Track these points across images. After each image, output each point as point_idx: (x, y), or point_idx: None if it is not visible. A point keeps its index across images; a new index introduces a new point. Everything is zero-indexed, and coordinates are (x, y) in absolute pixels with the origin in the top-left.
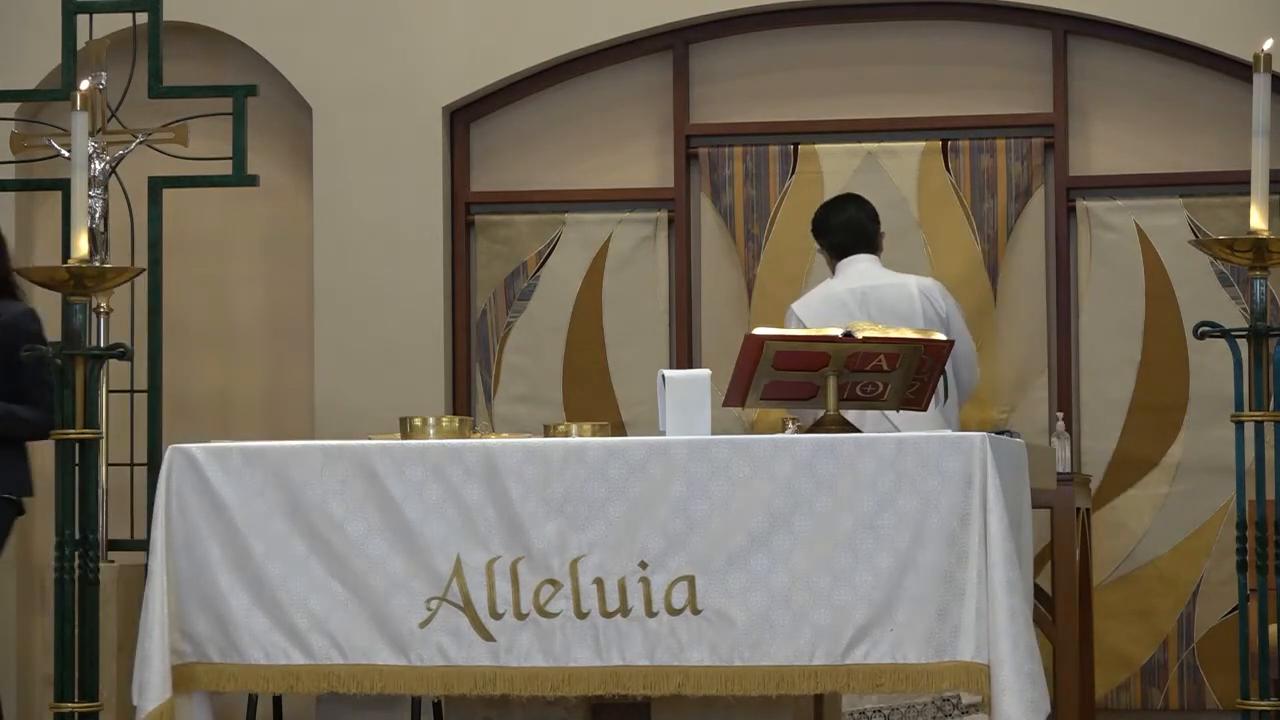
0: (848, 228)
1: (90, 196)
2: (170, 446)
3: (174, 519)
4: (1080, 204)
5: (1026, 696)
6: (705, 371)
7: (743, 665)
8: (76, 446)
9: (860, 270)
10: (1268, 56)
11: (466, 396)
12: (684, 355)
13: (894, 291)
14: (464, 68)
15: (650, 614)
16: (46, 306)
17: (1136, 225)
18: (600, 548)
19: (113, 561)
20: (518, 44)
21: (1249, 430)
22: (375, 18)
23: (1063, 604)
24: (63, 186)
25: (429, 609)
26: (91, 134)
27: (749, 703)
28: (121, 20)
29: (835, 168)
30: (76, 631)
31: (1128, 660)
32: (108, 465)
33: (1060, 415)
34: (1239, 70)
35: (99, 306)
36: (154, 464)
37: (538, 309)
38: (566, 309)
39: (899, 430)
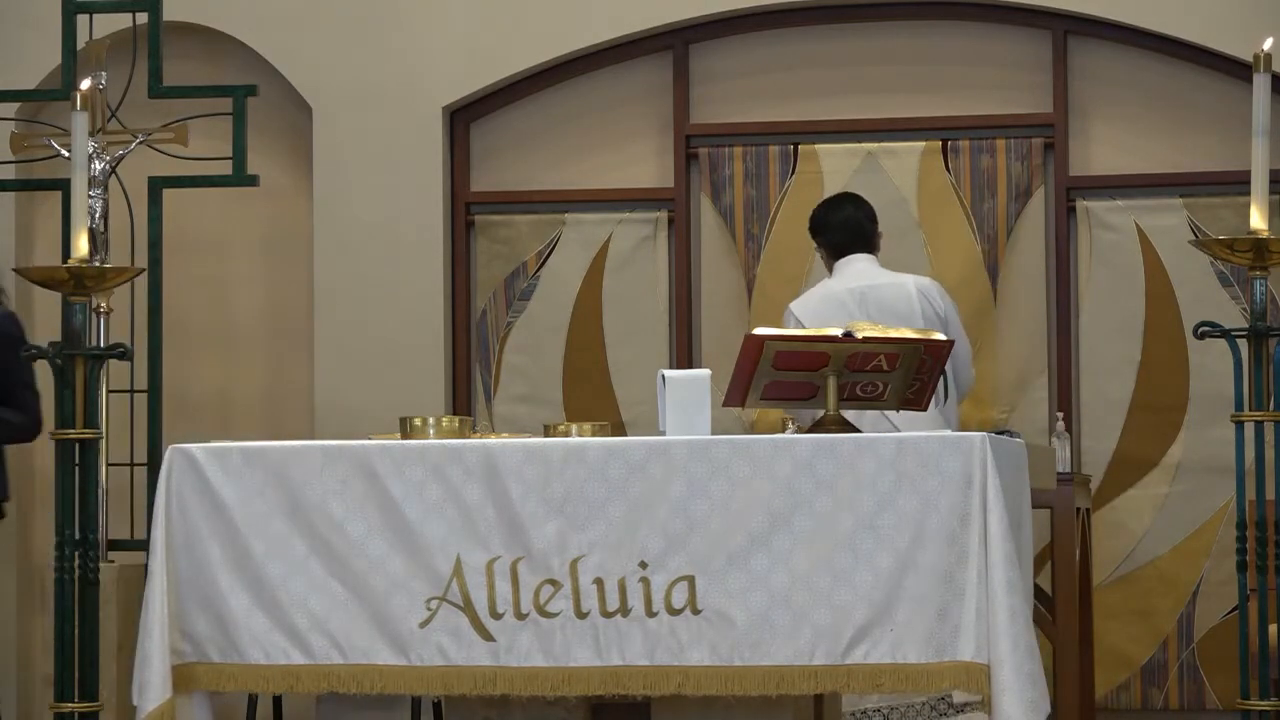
0: (846, 227)
1: (90, 196)
2: (170, 446)
3: (174, 519)
4: (1080, 204)
5: (1026, 696)
6: (705, 371)
7: (743, 665)
8: (76, 446)
9: (858, 270)
10: (1268, 56)
11: (466, 396)
12: (684, 355)
13: (893, 291)
14: (464, 68)
15: (650, 614)
16: (46, 306)
17: (1136, 225)
18: (600, 548)
19: (113, 561)
20: (518, 44)
21: (1249, 430)
22: (375, 18)
23: (1063, 604)
24: (63, 186)
25: (429, 609)
26: (91, 134)
27: (749, 703)
28: (121, 20)
29: (835, 168)
30: (76, 631)
31: (1128, 660)
32: (108, 465)
33: (1060, 415)
34: (1239, 70)
35: (99, 306)
36: (154, 464)
37: (538, 309)
38: (566, 309)
39: (898, 430)
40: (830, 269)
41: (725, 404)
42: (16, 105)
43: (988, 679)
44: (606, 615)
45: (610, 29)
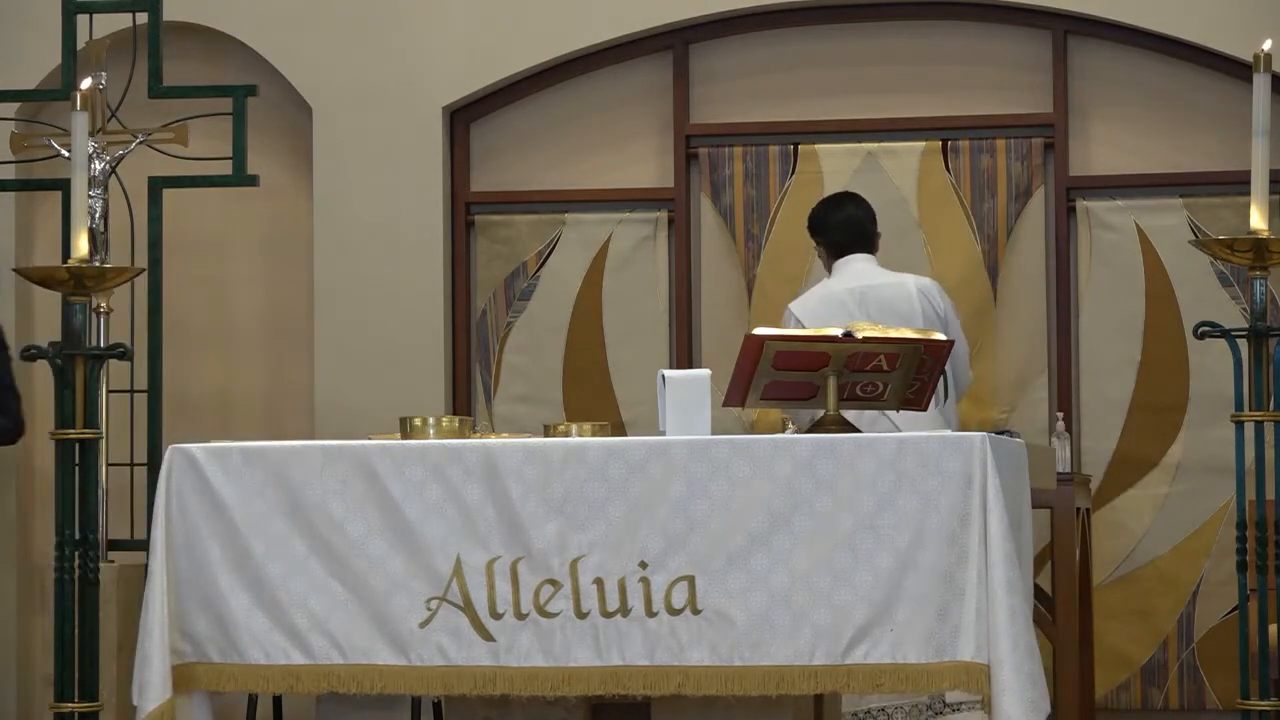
0: (847, 226)
1: (90, 196)
2: (170, 446)
3: (174, 519)
4: (1080, 204)
5: (1026, 696)
6: (705, 371)
7: (743, 665)
8: (76, 446)
9: (858, 270)
10: (1268, 56)
11: (466, 396)
12: (684, 355)
13: (893, 291)
14: (464, 68)
15: (650, 614)
16: (46, 306)
17: (1136, 225)
18: (600, 548)
19: (113, 561)
20: (518, 44)
21: (1249, 430)
22: (375, 18)
23: (1063, 604)
24: (63, 186)
25: (429, 609)
26: (91, 134)
27: (749, 703)
28: (121, 20)
29: (835, 168)
30: (76, 631)
31: (1128, 660)
32: (108, 465)
33: (1060, 415)
34: (1239, 70)
35: (99, 306)
36: (154, 464)
37: (538, 309)
38: (566, 309)
39: (899, 429)
40: (829, 269)
41: (725, 404)
42: (16, 105)
43: (988, 679)
44: (606, 615)
45: (610, 29)
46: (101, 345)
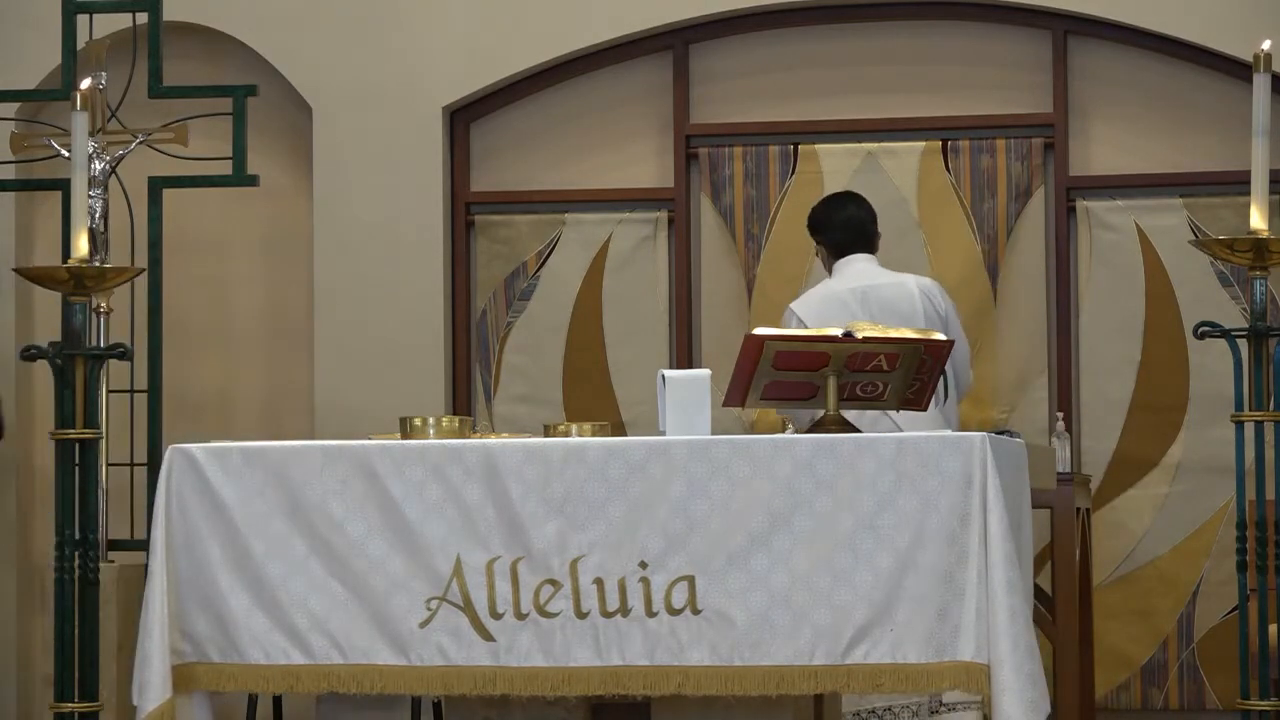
0: (849, 226)
1: (90, 196)
2: (170, 446)
3: (174, 519)
4: (1080, 204)
5: (1026, 696)
6: (705, 371)
7: (743, 665)
8: (76, 446)
9: (859, 270)
10: (1268, 56)
11: (466, 396)
12: (684, 355)
13: (895, 291)
14: (464, 68)
15: (650, 614)
16: (46, 306)
17: (1136, 225)
18: (600, 548)
19: (113, 561)
20: (518, 44)
21: (1249, 430)
22: (375, 18)
23: (1063, 604)
24: (63, 186)
25: (429, 609)
26: (91, 134)
27: (749, 703)
28: (121, 20)
29: (835, 168)
30: (76, 631)
31: (1128, 660)
32: (108, 465)
33: (1060, 415)
34: (1239, 70)
35: (99, 306)
36: (154, 464)
37: (538, 309)
38: (566, 309)
39: (901, 429)
40: (829, 268)
41: (725, 404)
42: (16, 105)
43: (988, 679)
44: (606, 615)
45: (610, 29)
46: (101, 345)
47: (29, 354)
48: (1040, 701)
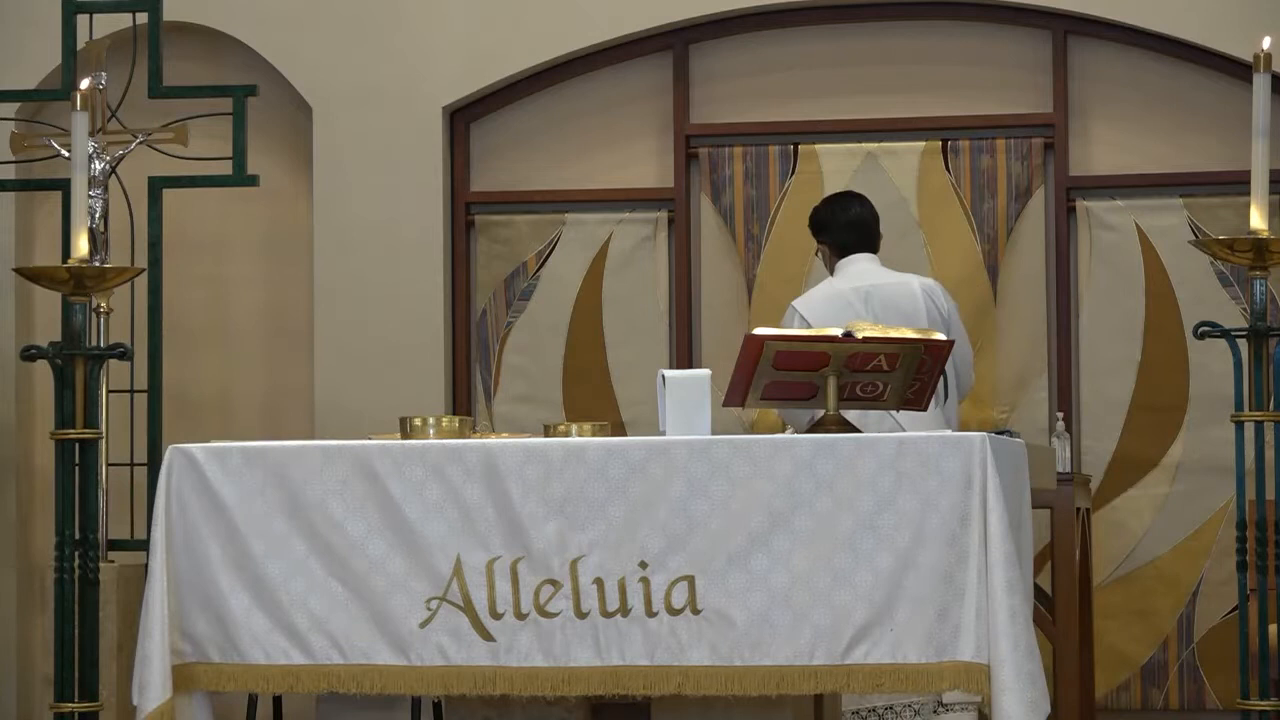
0: (854, 226)
1: (90, 196)
2: (170, 446)
3: (174, 519)
4: (1080, 204)
5: (1027, 696)
6: (705, 371)
7: (743, 665)
8: (76, 446)
9: (861, 269)
10: (1268, 56)
11: (466, 396)
12: (684, 355)
13: (898, 290)
14: (464, 68)
15: (650, 614)
16: (46, 306)
17: (1136, 225)
18: (600, 548)
19: (113, 561)
20: (518, 44)
21: (1249, 430)
22: (375, 18)
23: (1063, 604)
24: (63, 186)
25: (429, 609)
26: (91, 134)
27: (749, 703)
28: (121, 20)
29: (835, 168)
30: (76, 631)
31: (1128, 660)
32: (108, 465)
33: (1060, 415)
34: (1239, 70)
35: (99, 306)
36: (154, 464)
37: (538, 309)
38: (566, 309)
39: (904, 429)
40: (831, 268)
41: (725, 404)
42: (16, 105)
43: (988, 679)
44: (606, 615)
45: (610, 29)
46: (101, 345)
47: (29, 354)
48: (1040, 701)
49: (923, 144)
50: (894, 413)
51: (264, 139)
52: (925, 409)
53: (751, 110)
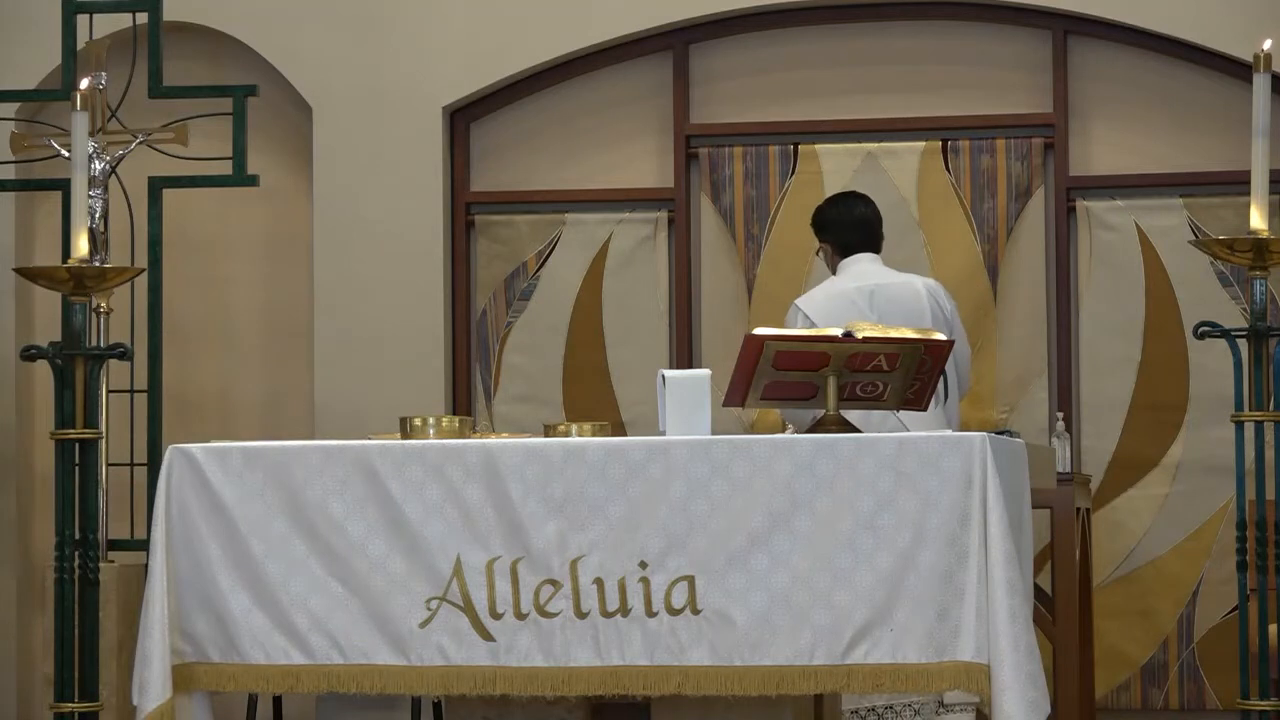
0: (859, 225)
1: (90, 196)
2: (170, 446)
3: (174, 519)
4: (1080, 204)
5: (1027, 696)
6: (705, 371)
7: (743, 665)
8: (76, 446)
9: (864, 269)
10: (1268, 56)
11: (466, 396)
12: (684, 355)
13: (903, 290)
14: (464, 68)
15: (650, 614)
16: (46, 306)
17: (1136, 225)
18: (600, 548)
19: (113, 561)
20: (518, 44)
21: (1249, 430)
22: (375, 18)
23: (1063, 604)
24: (63, 186)
25: (429, 609)
26: (91, 134)
27: (749, 703)
28: (121, 20)
29: (835, 168)
30: (76, 631)
31: (1128, 660)
32: (108, 465)
33: (1060, 415)
34: (1239, 70)
35: (99, 306)
36: (154, 464)
37: (538, 309)
38: (566, 309)
39: (907, 428)
40: (833, 267)
41: (725, 404)
42: (16, 105)
43: (988, 679)
44: (606, 615)
45: (610, 29)
46: (101, 345)
47: (29, 354)
48: (1040, 701)
49: (923, 144)
50: (897, 413)
51: (264, 139)
52: (925, 409)
53: (751, 110)
